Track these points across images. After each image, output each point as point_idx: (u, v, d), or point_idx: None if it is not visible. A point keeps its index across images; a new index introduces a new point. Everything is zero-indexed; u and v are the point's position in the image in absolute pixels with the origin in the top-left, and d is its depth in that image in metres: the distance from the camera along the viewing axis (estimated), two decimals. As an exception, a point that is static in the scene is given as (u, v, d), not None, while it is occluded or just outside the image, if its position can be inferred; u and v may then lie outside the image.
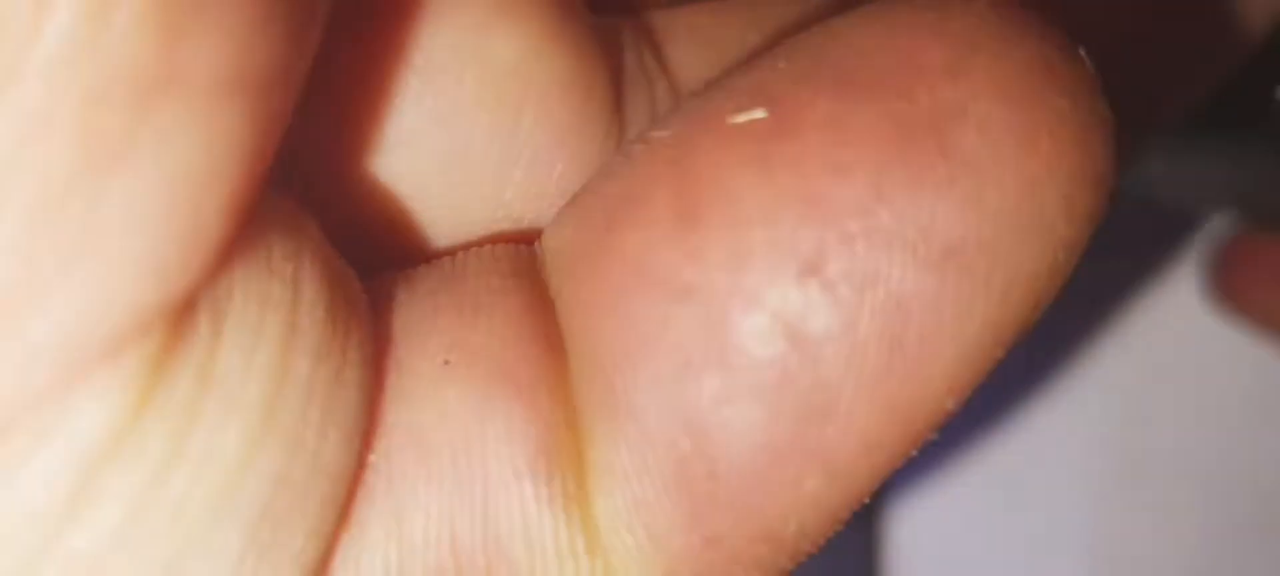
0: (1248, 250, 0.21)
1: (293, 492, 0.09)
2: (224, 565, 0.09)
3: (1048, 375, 0.26)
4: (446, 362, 0.10)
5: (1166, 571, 0.26)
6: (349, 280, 0.10)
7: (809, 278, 0.10)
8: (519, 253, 0.12)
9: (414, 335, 0.11)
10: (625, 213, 0.10)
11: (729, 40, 0.13)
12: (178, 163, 0.08)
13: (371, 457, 0.10)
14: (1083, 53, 0.10)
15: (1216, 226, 0.24)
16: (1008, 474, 0.26)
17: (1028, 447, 0.26)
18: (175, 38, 0.07)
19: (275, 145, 0.09)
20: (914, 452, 0.11)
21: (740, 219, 0.10)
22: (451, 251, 0.12)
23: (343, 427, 0.10)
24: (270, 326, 0.09)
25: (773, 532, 0.10)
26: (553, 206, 0.12)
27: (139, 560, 0.08)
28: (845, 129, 0.10)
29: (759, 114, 0.10)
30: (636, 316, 0.10)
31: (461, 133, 0.11)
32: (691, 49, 0.13)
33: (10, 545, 0.08)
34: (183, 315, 0.08)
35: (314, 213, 0.11)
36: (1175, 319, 0.25)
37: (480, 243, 0.12)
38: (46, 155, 0.07)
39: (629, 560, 0.10)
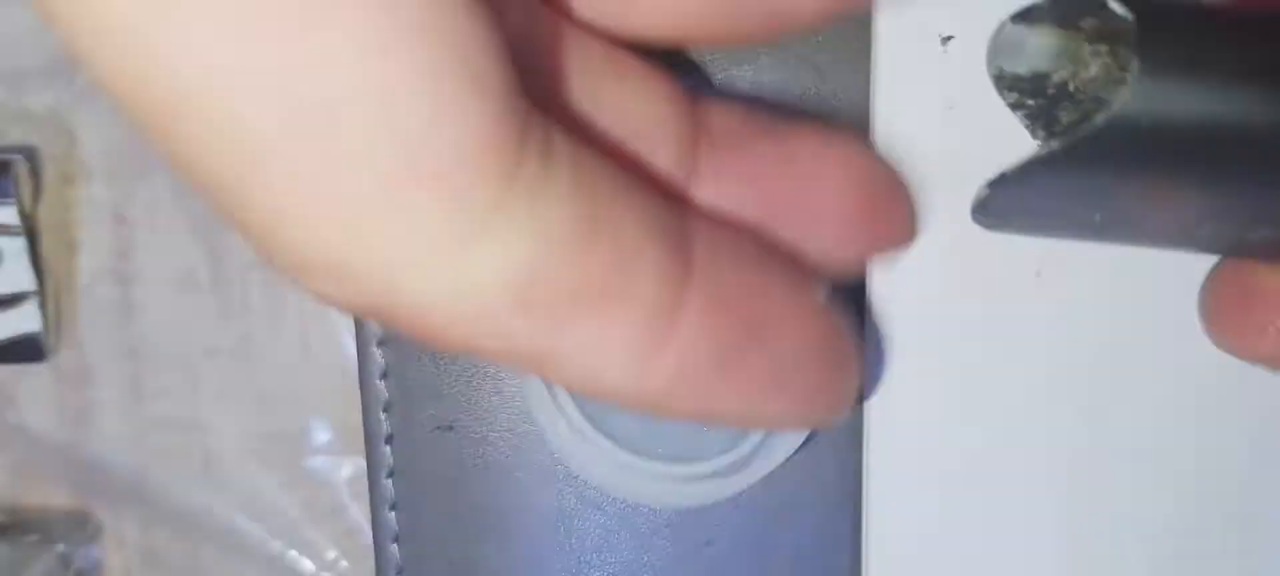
0: (1235, 284, 0.19)
1: None
2: None
3: (1022, 369, 0.26)
4: None
5: (1138, 562, 0.27)
6: None
7: None
8: None
9: None
10: None
11: None
12: None
13: None
14: None
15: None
16: (982, 465, 0.26)
17: (1002, 440, 0.26)
18: None
19: None
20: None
21: None
22: None
23: None
24: None
25: None
26: None
27: None
28: None
29: None
30: None
31: None
32: None
33: None
34: None
35: None
36: (1148, 313, 0.25)
37: None
38: None
39: None
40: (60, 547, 0.32)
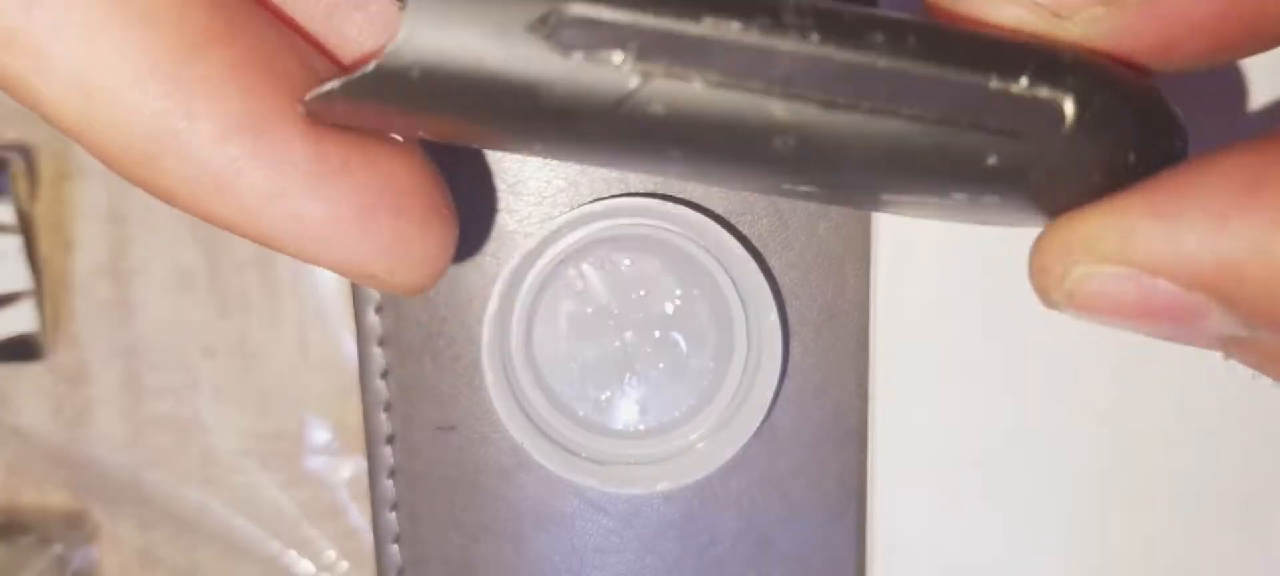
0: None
1: None
2: None
3: (1026, 369, 0.26)
4: None
5: (1139, 563, 0.27)
6: None
7: None
8: None
9: None
10: None
11: None
12: None
13: None
14: None
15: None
16: (987, 465, 0.26)
17: (1006, 441, 0.26)
18: None
19: None
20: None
21: None
22: None
23: None
24: None
25: None
26: None
27: None
28: None
29: None
30: None
31: None
32: None
33: None
34: None
35: None
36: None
37: None
38: None
39: None
40: (57, 548, 0.32)
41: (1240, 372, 0.26)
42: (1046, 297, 0.14)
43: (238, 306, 0.32)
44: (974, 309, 0.25)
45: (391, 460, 0.29)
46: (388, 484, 0.29)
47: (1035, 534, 0.27)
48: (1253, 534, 0.26)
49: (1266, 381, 0.26)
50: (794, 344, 0.28)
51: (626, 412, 0.28)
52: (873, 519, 0.27)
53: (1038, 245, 0.14)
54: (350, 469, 0.32)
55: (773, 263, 0.27)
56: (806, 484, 0.28)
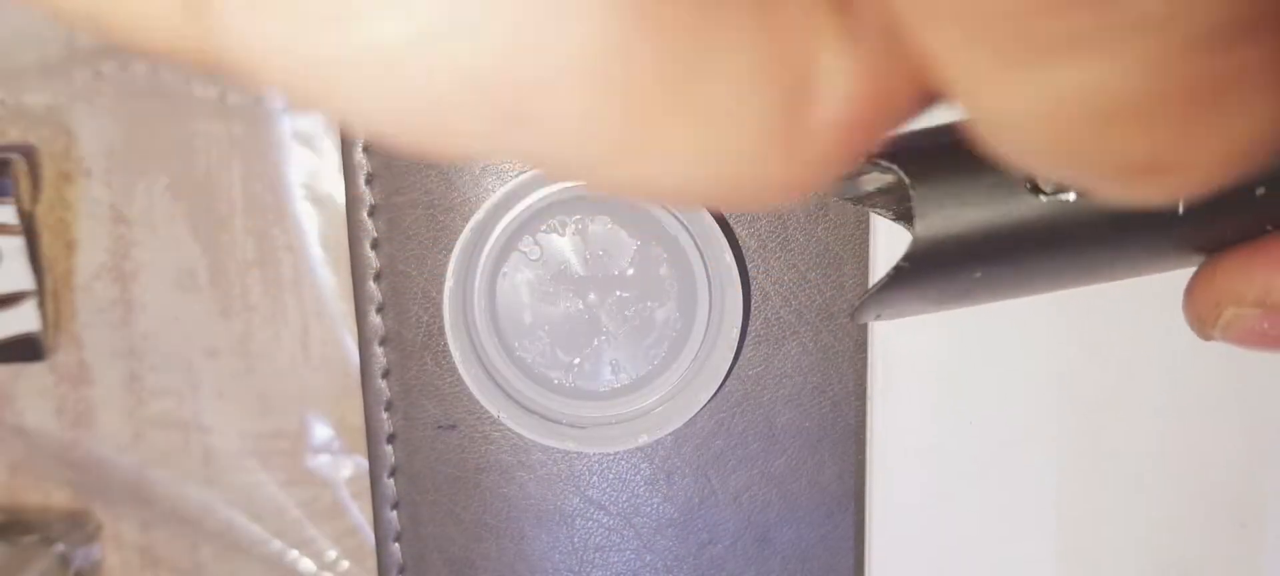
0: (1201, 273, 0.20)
1: None
2: None
3: (1023, 369, 0.26)
4: None
5: (1134, 563, 0.27)
6: None
7: None
8: None
9: None
10: None
11: None
12: None
13: None
14: None
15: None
16: (983, 464, 0.27)
17: (1003, 440, 0.26)
18: None
19: None
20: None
21: None
22: None
23: None
24: None
25: None
26: None
27: None
28: None
29: None
30: None
31: None
32: None
33: None
34: None
35: None
36: (1141, 311, 0.26)
37: None
38: None
39: None
40: (59, 547, 0.32)
41: (1237, 372, 0.26)
42: (1203, 333, 0.19)
43: (239, 306, 0.32)
44: (970, 309, 0.25)
45: (392, 459, 0.29)
46: (389, 482, 0.29)
47: (1031, 530, 0.27)
48: (1247, 531, 0.26)
49: (1262, 380, 0.26)
50: (792, 343, 0.28)
51: (601, 373, 0.28)
52: (871, 516, 0.27)
53: (1192, 297, 0.18)
54: (351, 468, 0.33)
55: (772, 262, 0.27)
56: (805, 481, 0.28)
